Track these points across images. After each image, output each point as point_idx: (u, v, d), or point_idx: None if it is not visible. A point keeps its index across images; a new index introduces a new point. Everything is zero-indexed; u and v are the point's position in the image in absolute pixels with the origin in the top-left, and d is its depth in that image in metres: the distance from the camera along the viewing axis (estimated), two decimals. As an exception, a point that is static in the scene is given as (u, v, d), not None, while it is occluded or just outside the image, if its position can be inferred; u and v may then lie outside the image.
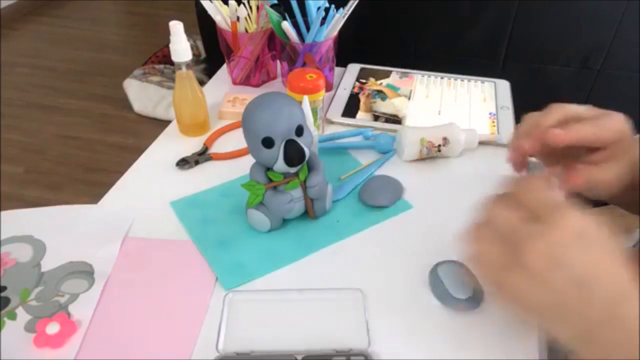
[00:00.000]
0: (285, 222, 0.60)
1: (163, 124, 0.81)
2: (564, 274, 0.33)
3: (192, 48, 0.69)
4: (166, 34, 0.68)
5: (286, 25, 0.77)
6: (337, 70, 0.91)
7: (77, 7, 3.12)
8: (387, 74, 0.90)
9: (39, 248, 0.57)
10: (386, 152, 0.72)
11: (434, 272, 0.53)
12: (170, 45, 0.68)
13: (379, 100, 0.83)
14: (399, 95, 0.84)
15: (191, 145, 0.73)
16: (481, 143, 0.73)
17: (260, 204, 0.57)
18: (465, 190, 0.66)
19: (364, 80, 0.88)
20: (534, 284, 0.34)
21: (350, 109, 0.81)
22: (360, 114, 0.80)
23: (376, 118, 0.79)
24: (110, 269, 0.55)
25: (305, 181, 0.56)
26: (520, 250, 0.34)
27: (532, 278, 0.34)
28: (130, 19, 3.09)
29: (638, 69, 1.36)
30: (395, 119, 0.79)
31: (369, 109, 0.81)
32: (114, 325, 0.49)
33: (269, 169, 0.55)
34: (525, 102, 0.94)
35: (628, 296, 0.33)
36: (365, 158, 0.71)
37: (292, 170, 0.54)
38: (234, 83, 0.89)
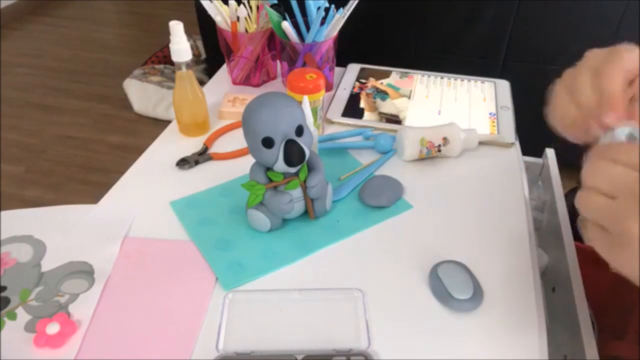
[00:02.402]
0: (285, 222, 0.60)
1: (163, 124, 0.81)
2: None
3: (192, 48, 0.69)
4: (166, 34, 0.68)
5: (286, 25, 0.77)
6: (337, 70, 0.91)
7: (77, 7, 3.12)
8: (387, 74, 0.90)
9: (39, 248, 0.57)
10: (386, 152, 0.72)
11: (434, 272, 0.53)
12: (170, 45, 0.68)
13: (379, 100, 0.83)
14: (401, 96, 0.84)
15: (191, 145, 0.73)
16: (481, 143, 0.73)
17: (260, 204, 0.57)
18: (466, 190, 0.66)
19: (364, 80, 0.88)
20: None
21: (351, 109, 0.81)
22: (367, 115, 0.80)
23: (380, 118, 0.79)
24: (110, 269, 0.55)
25: (305, 181, 0.56)
26: (623, 229, 0.33)
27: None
28: (130, 19, 3.09)
29: (638, 69, 1.36)
30: (395, 119, 0.79)
31: (374, 109, 0.81)
32: (114, 325, 0.49)
33: (269, 169, 0.55)
34: (525, 102, 0.94)
35: None
36: (365, 158, 0.71)
37: (292, 170, 0.54)
38: (234, 83, 0.89)
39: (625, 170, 0.34)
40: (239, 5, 0.79)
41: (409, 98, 0.84)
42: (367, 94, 0.84)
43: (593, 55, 0.42)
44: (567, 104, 0.42)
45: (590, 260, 0.69)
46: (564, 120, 0.43)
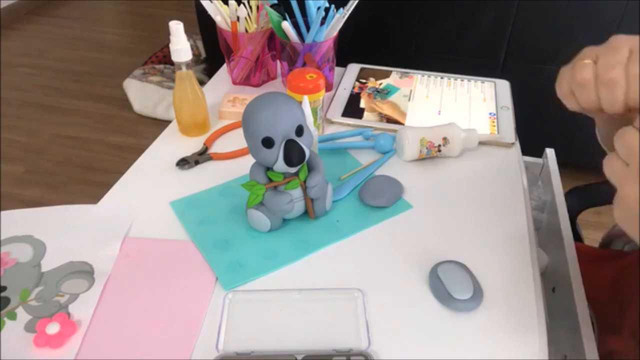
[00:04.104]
0: (285, 222, 0.60)
1: (163, 124, 0.81)
2: None
3: (192, 48, 0.69)
4: (166, 34, 0.68)
5: (286, 25, 0.78)
6: (337, 70, 0.91)
7: (77, 7, 3.12)
8: (387, 74, 0.90)
9: (39, 248, 0.57)
10: (386, 152, 0.72)
11: (434, 272, 0.53)
12: (170, 45, 0.68)
13: (379, 100, 0.83)
14: (396, 107, 0.84)
15: (191, 145, 0.73)
16: (481, 143, 0.73)
17: (260, 204, 0.57)
18: (465, 190, 0.66)
19: (364, 80, 0.88)
20: None
21: (351, 109, 0.81)
22: (367, 115, 0.80)
23: (380, 118, 0.79)
24: (110, 269, 0.55)
25: (305, 181, 0.56)
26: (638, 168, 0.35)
27: None
28: (130, 19, 3.09)
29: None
30: (395, 119, 0.79)
31: (374, 109, 0.81)
32: (114, 325, 0.49)
33: (269, 169, 0.55)
34: (525, 102, 0.94)
35: None
36: (365, 158, 0.71)
37: (292, 170, 0.54)
38: (234, 83, 0.89)
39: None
40: (239, 5, 0.80)
41: (409, 99, 0.84)
42: (368, 94, 0.84)
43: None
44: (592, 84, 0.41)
45: (590, 260, 0.69)
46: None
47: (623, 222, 0.38)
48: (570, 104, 0.44)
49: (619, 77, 0.39)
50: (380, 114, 0.80)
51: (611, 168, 0.38)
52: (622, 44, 0.40)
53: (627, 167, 0.36)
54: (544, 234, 0.80)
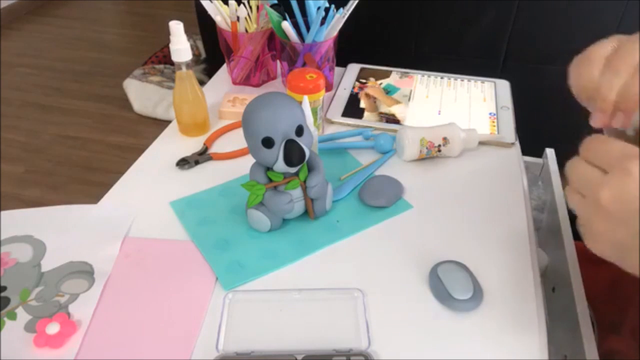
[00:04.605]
0: (285, 222, 0.60)
1: (163, 124, 0.81)
2: (634, 208, 0.35)
3: (192, 48, 0.69)
4: (166, 34, 0.68)
5: (286, 25, 0.78)
6: (337, 70, 0.91)
7: (77, 7, 3.12)
8: (387, 74, 0.90)
9: (39, 248, 0.57)
10: (386, 152, 0.72)
11: (434, 272, 0.53)
12: (170, 45, 0.68)
13: (379, 100, 0.83)
14: (397, 102, 0.84)
15: (191, 145, 0.73)
16: (481, 143, 0.73)
17: (260, 204, 0.57)
18: (465, 190, 0.66)
19: (364, 80, 0.88)
20: (611, 223, 0.36)
21: (351, 109, 0.81)
22: (367, 115, 0.80)
23: (380, 118, 0.79)
24: (110, 269, 0.55)
25: (305, 181, 0.56)
26: (595, 198, 0.36)
27: (609, 219, 0.36)
28: (130, 19, 3.09)
29: (638, 69, 1.36)
30: (395, 119, 0.79)
31: (374, 109, 0.81)
32: (114, 325, 0.49)
33: (269, 169, 0.55)
34: (525, 102, 0.94)
35: None
36: (365, 158, 0.71)
37: (292, 170, 0.54)
38: (234, 83, 0.89)
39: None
40: (239, 5, 0.80)
41: (409, 99, 0.84)
42: (366, 94, 0.84)
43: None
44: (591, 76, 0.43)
45: (590, 260, 0.69)
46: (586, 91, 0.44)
47: (600, 251, 0.38)
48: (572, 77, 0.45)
49: (627, 69, 0.40)
50: (380, 114, 0.80)
51: (572, 203, 0.39)
52: None
53: (584, 199, 0.38)
54: (544, 234, 0.80)
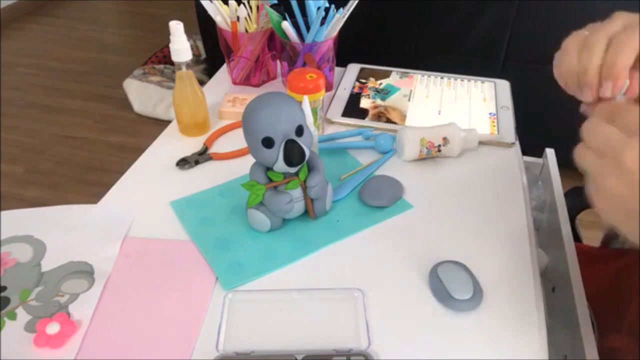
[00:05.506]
0: (285, 222, 0.60)
1: (163, 124, 0.81)
2: None
3: (192, 48, 0.69)
4: (166, 34, 0.68)
5: (286, 25, 0.78)
6: (337, 70, 0.91)
7: (77, 7, 3.12)
8: (387, 74, 0.90)
9: (39, 248, 0.57)
10: (386, 152, 0.72)
11: (434, 272, 0.53)
12: (170, 45, 0.68)
13: (378, 100, 0.83)
14: (396, 109, 0.84)
15: (191, 145, 0.73)
16: (481, 143, 0.73)
17: (260, 204, 0.57)
18: (465, 190, 0.66)
19: (364, 80, 0.88)
20: (630, 186, 0.35)
21: (351, 109, 0.81)
22: (370, 116, 0.79)
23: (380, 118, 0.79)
24: (110, 269, 0.55)
25: (305, 181, 0.56)
26: (618, 159, 0.35)
27: (629, 181, 0.35)
28: (130, 19, 3.09)
29: (638, 69, 1.36)
30: (395, 120, 0.79)
31: (374, 109, 0.81)
32: (114, 325, 0.49)
33: (269, 169, 0.55)
34: (525, 102, 0.94)
35: None
36: (365, 158, 0.71)
37: (292, 170, 0.54)
38: (234, 83, 0.89)
39: (613, 131, 0.37)
40: (239, 5, 0.80)
41: (409, 99, 0.84)
42: (367, 95, 0.84)
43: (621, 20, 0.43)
44: (574, 60, 0.44)
45: (590, 260, 0.69)
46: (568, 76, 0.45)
47: (609, 214, 0.37)
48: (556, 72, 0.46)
49: (600, 40, 0.42)
50: (380, 114, 0.80)
51: (585, 160, 0.38)
52: (618, 19, 0.42)
53: (602, 159, 0.37)
54: (543, 234, 0.80)
